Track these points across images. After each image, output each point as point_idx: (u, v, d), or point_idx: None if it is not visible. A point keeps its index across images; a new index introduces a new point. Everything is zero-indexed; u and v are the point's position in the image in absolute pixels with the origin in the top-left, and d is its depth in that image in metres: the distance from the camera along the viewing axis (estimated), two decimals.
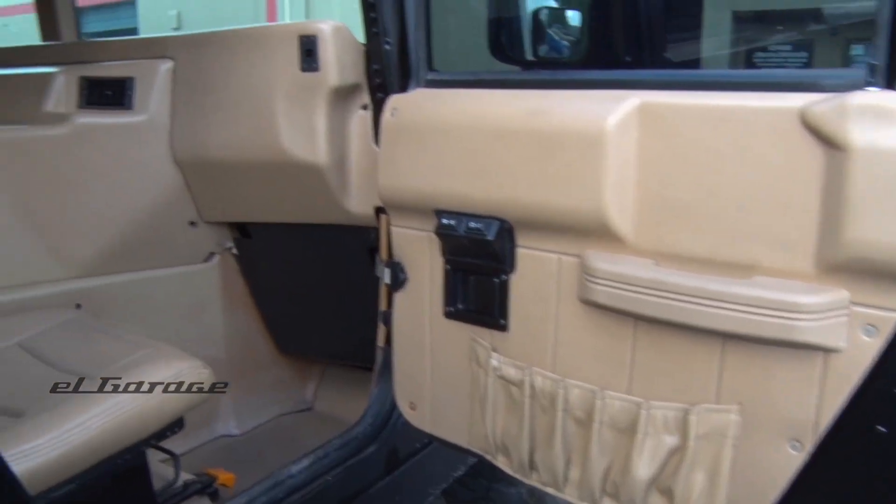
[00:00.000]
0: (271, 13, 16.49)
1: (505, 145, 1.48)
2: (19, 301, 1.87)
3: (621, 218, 1.33)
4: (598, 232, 1.36)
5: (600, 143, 1.31)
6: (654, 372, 1.35)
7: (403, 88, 1.71)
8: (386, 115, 1.70)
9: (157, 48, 2.03)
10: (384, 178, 1.70)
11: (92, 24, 20.44)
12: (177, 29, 17.88)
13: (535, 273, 1.52)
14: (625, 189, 1.31)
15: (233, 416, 2.37)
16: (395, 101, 1.70)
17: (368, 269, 2.04)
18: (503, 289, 1.58)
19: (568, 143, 1.37)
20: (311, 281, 2.28)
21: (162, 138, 2.00)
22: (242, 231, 2.28)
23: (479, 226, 1.55)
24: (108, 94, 1.96)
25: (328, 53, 1.80)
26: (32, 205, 1.90)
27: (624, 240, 1.34)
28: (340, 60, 1.81)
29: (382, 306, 1.93)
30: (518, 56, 2.03)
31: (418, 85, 1.70)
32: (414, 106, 1.66)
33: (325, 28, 1.82)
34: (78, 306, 1.97)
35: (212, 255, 2.29)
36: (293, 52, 1.83)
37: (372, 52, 1.80)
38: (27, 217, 1.90)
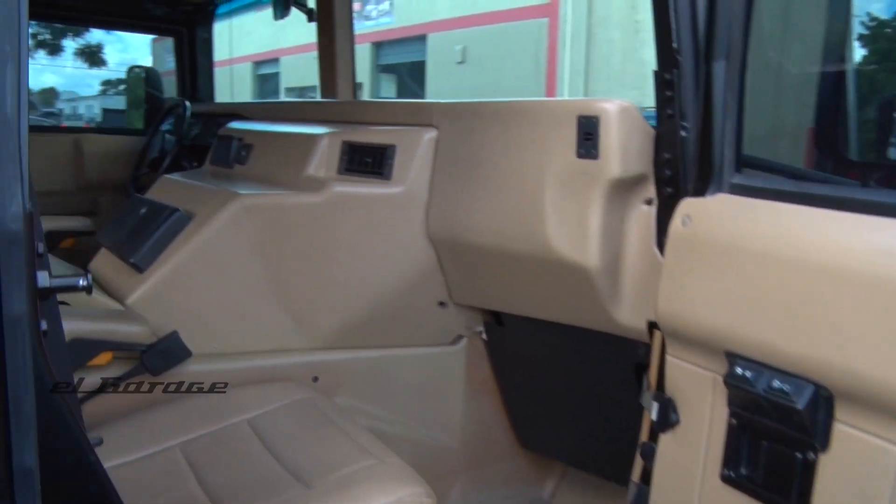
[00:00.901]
0: (552, 51, 16.74)
1: (836, 289, 1.10)
2: (260, 368, 1.85)
3: None
4: None
5: None
6: None
7: (700, 191, 1.39)
8: (676, 222, 1.39)
9: (422, 114, 1.90)
10: (665, 299, 1.39)
11: (386, 57, 22.42)
12: (461, 63, 18.97)
13: (859, 463, 1.11)
14: None
15: None
16: (688, 207, 1.38)
17: (631, 386, 1.73)
18: (807, 470, 1.19)
19: None
20: (564, 380, 2.02)
21: (418, 212, 1.87)
22: (495, 316, 2.08)
23: (785, 388, 1.17)
24: (368, 162, 1.88)
25: (610, 139, 1.53)
26: (283, 271, 1.87)
27: None
28: (624, 147, 1.53)
29: (643, 437, 1.61)
30: (866, 162, 1.60)
31: (720, 189, 1.36)
32: (713, 217, 1.33)
33: (609, 109, 1.54)
34: (315, 379, 1.91)
35: (459, 337, 2.13)
36: (570, 134, 1.58)
37: (664, 138, 1.50)
38: (277, 283, 1.87)
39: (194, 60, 3.51)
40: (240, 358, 1.84)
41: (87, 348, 1.60)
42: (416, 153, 1.83)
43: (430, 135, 1.83)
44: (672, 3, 1.36)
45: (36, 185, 2.77)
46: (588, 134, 1.54)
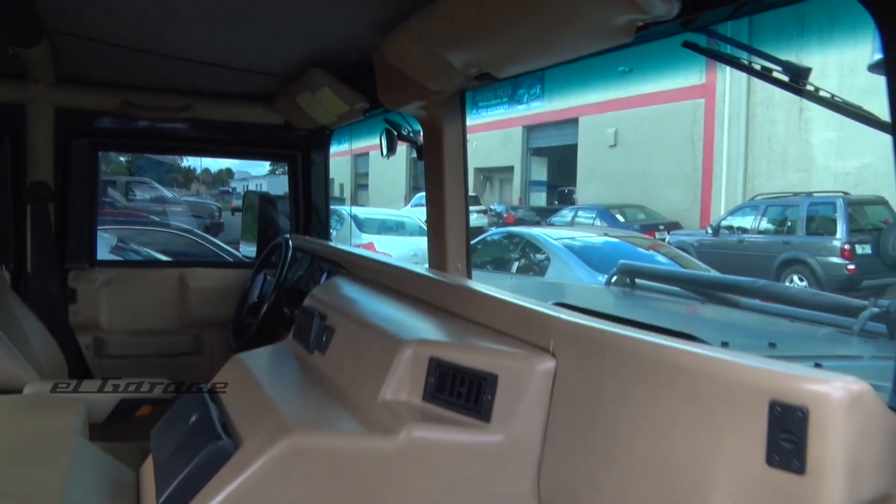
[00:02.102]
0: (708, 132, 15.89)
1: None
2: None
3: None
4: None
5: None
6: None
7: None
8: None
9: (537, 331, 1.38)
10: None
11: (537, 140, 22.28)
12: (613, 146, 18.42)
13: None
14: None
15: None
16: None
17: None
18: None
19: None
20: None
21: (525, 471, 1.33)
22: None
23: None
24: (462, 392, 1.38)
25: (829, 447, 0.91)
26: None
27: None
28: (854, 461, 0.91)
29: None
30: None
31: None
32: None
33: (828, 396, 0.91)
34: None
35: None
36: (755, 424, 0.98)
37: None
38: None
39: (308, 189, 3.24)
40: None
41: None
42: (525, 389, 1.30)
43: (545, 365, 1.30)
44: None
45: (142, 322, 2.80)
46: (786, 433, 0.93)
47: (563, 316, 1.32)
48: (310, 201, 3.24)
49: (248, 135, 3.19)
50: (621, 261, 5.14)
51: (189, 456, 1.46)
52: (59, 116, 2.75)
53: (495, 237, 9.71)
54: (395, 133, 2.31)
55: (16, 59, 2.33)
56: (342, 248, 2.67)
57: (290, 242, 2.73)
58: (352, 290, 2.12)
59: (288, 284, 2.74)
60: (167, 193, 19.31)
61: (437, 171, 2.07)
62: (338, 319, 1.82)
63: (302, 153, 3.21)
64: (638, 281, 4.35)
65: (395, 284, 2.01)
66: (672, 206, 15.95)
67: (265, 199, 3.38)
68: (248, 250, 3.47)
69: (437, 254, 2.12)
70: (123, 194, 17.04)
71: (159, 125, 2.98)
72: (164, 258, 5.69)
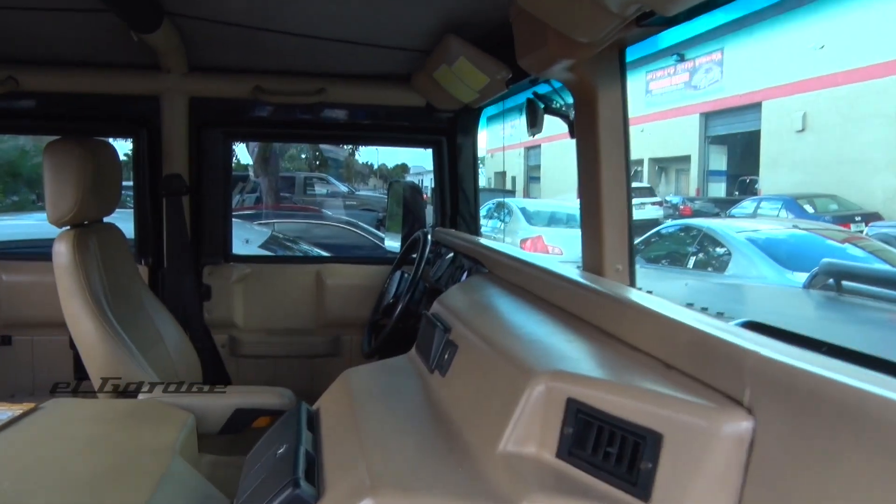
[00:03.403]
0: None
1: None
2: None
3: None
4: None
5: None
6: None
7: None
8: None
9: (724, 373, 0.92)
10: None
11: (716, 128, 20.77)
12: (801, 131, 16.72)
13: None
14: None
15: None
16: None
17: None
18: None
19: None
20: None
21: None
22: None
23: None
24: (610, 453, 0.96)
25: None
26: None
27: None
28: None
29: None
30: None
31: None
32: None
33: None
34: None
35: None
36: None
37: None
38: None
39: (455, 177, 2.94)
40: None
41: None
42: (704, 458, 0.86)
43: (736, 426, 0.84)
44: None
45: (277, 321, 2.64)
46: None
47: (763, 351, 0.87)
48: (457, 190, 2.94)
49: (387, 119, 2.94)
50: (825, 259, 4.26)
51: (265, 496, 1.20)
52: (192, 106, 2.65)
53: (670, 230, 9.03)
54: (542, 106, 1.93)
55: (148, 49, 2.25)
56: (485, 243, 2.33)
57: (429, 237, 2.43)
58: (488, 296, 1.78)
59: (427, 283, 2.45)
60: (343, 187, 19.95)
61: (591, 149, 1.66)
62: (463, 334, 1.48)
63: (447, 137, 2.91)
64: (845, 283, 3.56)
65: (540, 290, 1.64)
66: (872, 195, 14.18)
67: (411, 189, 3.11)
68: (393, 245, 3.24)
69: (592, 253, 1.70)
70: (302, 189, 17.78)
71: (292, 112, 2.80)
72: (308, 252, 5.63)
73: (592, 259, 1.70)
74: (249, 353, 2.83)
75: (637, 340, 1.15)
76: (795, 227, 8.13)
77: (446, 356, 1.46)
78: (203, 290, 2.75)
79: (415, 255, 2.52)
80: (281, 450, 1.36)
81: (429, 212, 3.10)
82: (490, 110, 2.92)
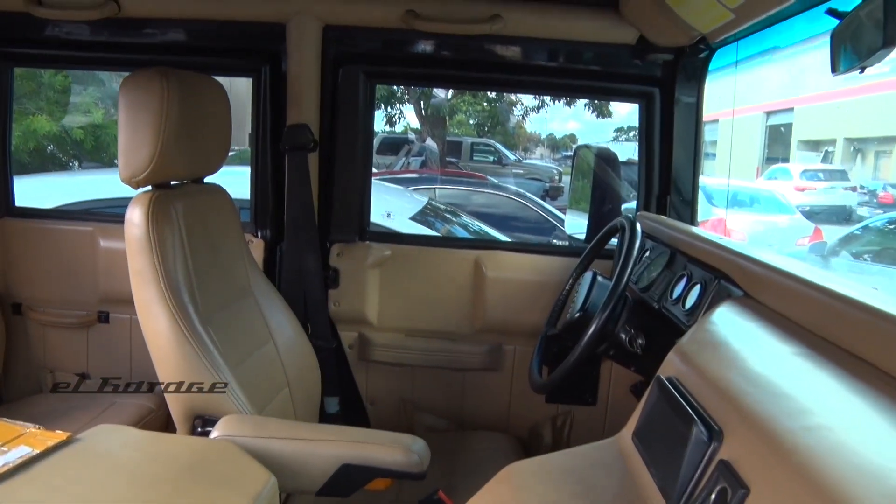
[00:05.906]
0: None
1: None
2: None
3: None
4: None
5: None
6: None
7: None
8: None
9: None
10: None
11: None
12: None
13: None
14: None
15: None
16: None
17: None
18: None
19: None
20: None
21: None
22: None
23: None
24: None
25: None
26: None
27: None
28: None
29: None
30: None
31: None
32: None
33: None
34: None
35: None
36: None
37: None
38: None
39: (669, 144, 2.17)
40: None
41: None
42: None
43: None
44: None
45: (421, 320, 1.80)
46: None
47: None
48: (669, 164, 2.16)
49: (580, 61, 2.21)
50: None
51: None
52: (326, 37, 2.07)
53: (878, 223, 8.08)
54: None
55: None
56: (723, 242, 1.57)
57: (639, 228, 1.67)
58: (770, 351, 1.04)
59: (633, 295, 1.75)
60: (510, 155, 19.38)
61: None
62: (755, 453, 0.77)
63: (662, 88, 2.14)
64: None
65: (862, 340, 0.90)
66: None
67: (602, 158, 2.36)
68: (577, 228, 2.49)
69: None
70: (469, 155, 17.36)
71: (456, 47, 2.13)
72: (469, 225, 4.96)
73: None
74: (382, 358, 2.23)
75: None
76: None
77: (714, 495, 0.75)
78: (330, 274, 2.18)
79: (617, 250, 1.80)
80: None
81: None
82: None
